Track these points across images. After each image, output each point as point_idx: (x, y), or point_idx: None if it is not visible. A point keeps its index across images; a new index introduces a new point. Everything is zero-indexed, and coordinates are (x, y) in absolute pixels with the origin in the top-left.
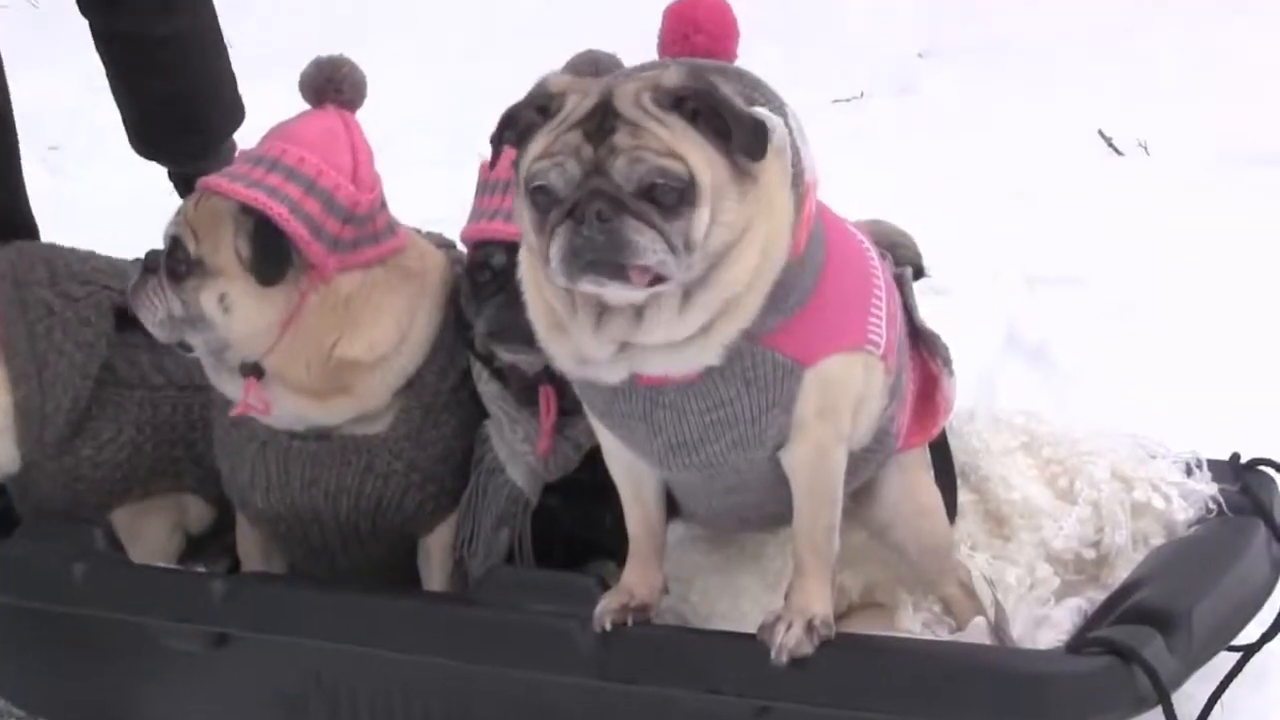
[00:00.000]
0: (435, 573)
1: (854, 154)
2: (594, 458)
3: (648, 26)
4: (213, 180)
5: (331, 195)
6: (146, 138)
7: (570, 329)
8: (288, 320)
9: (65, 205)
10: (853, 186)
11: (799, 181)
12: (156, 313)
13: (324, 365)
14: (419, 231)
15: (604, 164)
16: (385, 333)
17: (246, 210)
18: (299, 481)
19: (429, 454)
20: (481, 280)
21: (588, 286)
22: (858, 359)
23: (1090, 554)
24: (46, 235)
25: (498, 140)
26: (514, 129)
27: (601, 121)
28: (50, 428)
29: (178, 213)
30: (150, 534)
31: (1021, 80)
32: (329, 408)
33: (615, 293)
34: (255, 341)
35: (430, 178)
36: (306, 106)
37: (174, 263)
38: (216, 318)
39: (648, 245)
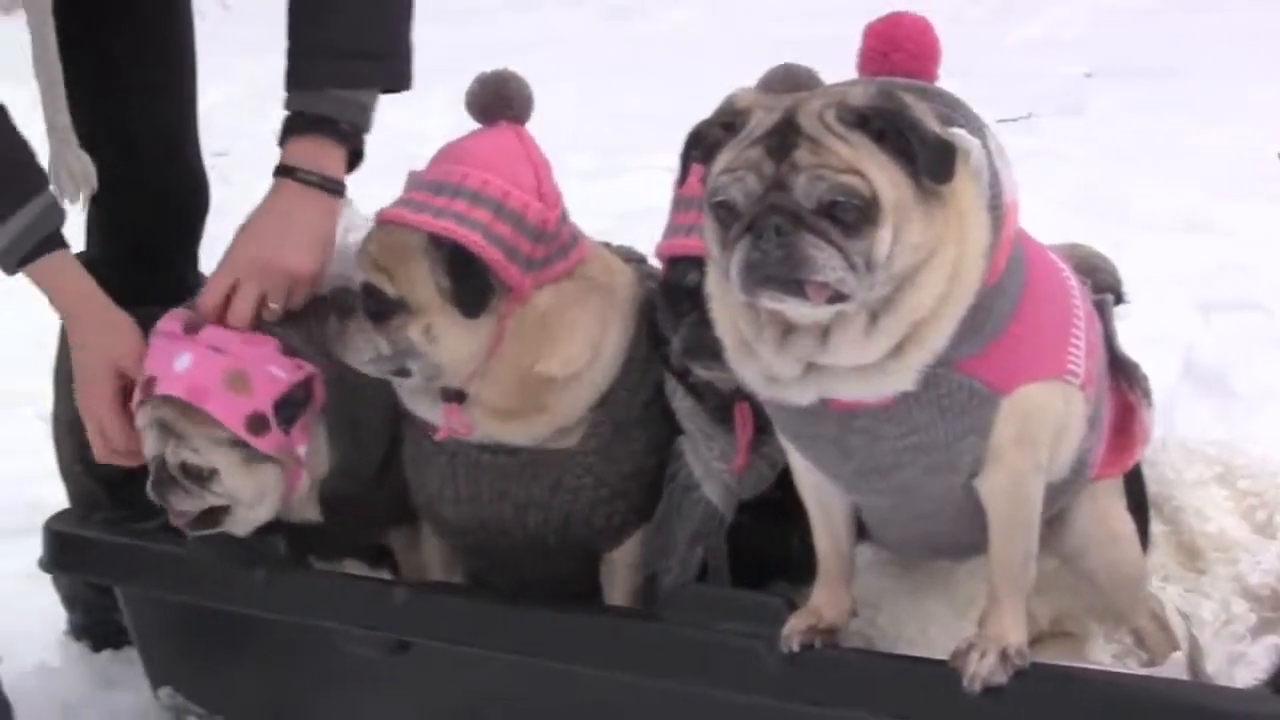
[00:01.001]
0: (619, 588)
1: (1020, 174)
2: (784, 477)
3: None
4: (394, 212)
5: (521, 215)
6: None
7: (756, 347)
8: (492, 345)
9: (229, 212)
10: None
11: (998, 204)
12: (364, 354)
13: (521, 385)
14: (608, 245)
15: (785, 180)
16: (579, 347)
17: (437, 241)
18: (487, 494)
19: (619, 469)
20: (677, 297)
21: (766, 302)
22: (1056, 388)
23: None
24: (213, 241)
25: (685, 158)
26: (700, 146)
27: (784, 138)
28: (364, 469)
29: (360, 255)
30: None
31: (1192, 101)
32: (524, 428)
33: (794, 309)
34: (462, 368)
35: (586, 191)
36: (457, 124)
37: (372, 305)
38: (426, 349)
39: (825, 262)
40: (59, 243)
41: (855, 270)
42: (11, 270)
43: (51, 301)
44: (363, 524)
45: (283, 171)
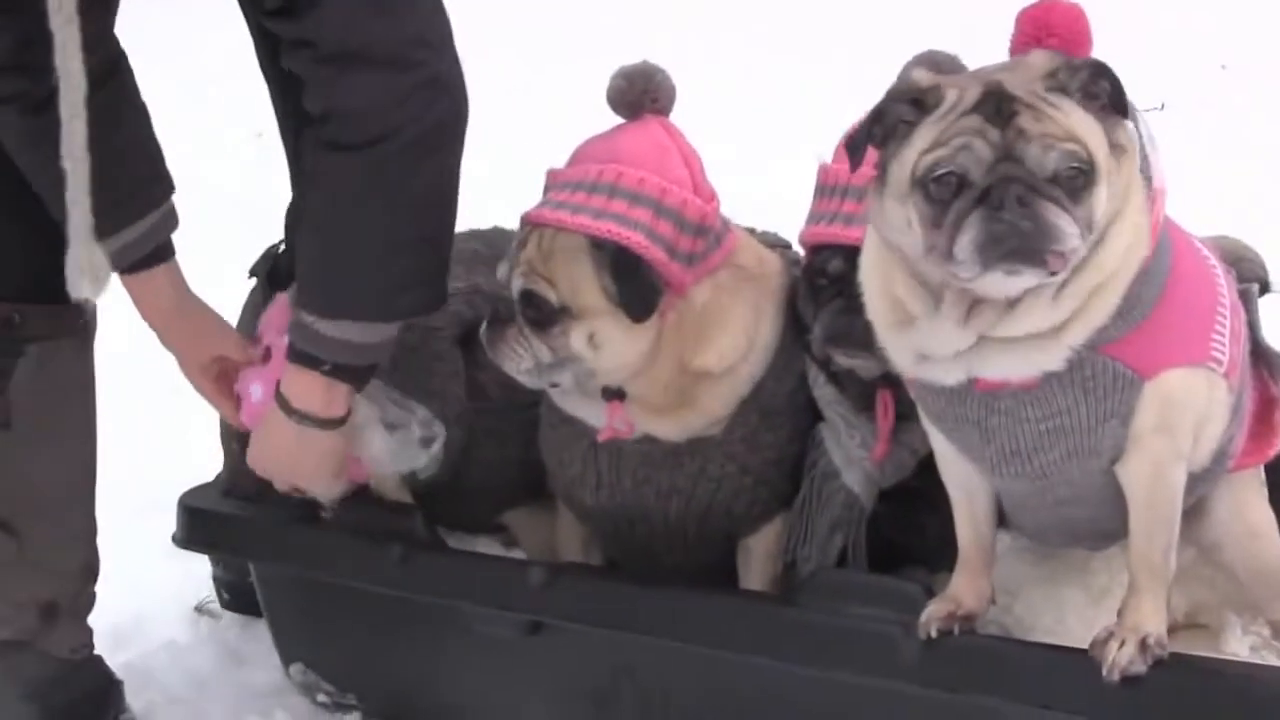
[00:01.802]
0: (755, 574)
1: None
2: (924, 465)
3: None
4: (550, 215)
5: (680, 212)
6: None
7: (927, 325)
8: (655, 344)
9: (270, 190)
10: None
11: (1148, 187)
12: (523, 362)
13: (678, 380)
14: (753, 231)
15: (1014, 148)
16: (734, 340)
17: (599, 244)
18: (630, 480)
19: (763, 457)
20: (819, 285)
21: (1001, 276)
22: (1200, 375)
23: None
24: (254, 219)
25: (865, 138)
26: (883, 124)
27: (998, 106)
28: (448, 456)
29: (515, 261)
30: (544, 531)
31: None
32: (677, 423)
33: (1029, 281)
34: (624, 370)
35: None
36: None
37: (533, 313)
38: (587, 355)
39: (1066, 229)
40: (163, 256)
41: (1082, 236)
42: (119, 270)
43: (140, 312)
44: (475, 502)
45: (279, 400)
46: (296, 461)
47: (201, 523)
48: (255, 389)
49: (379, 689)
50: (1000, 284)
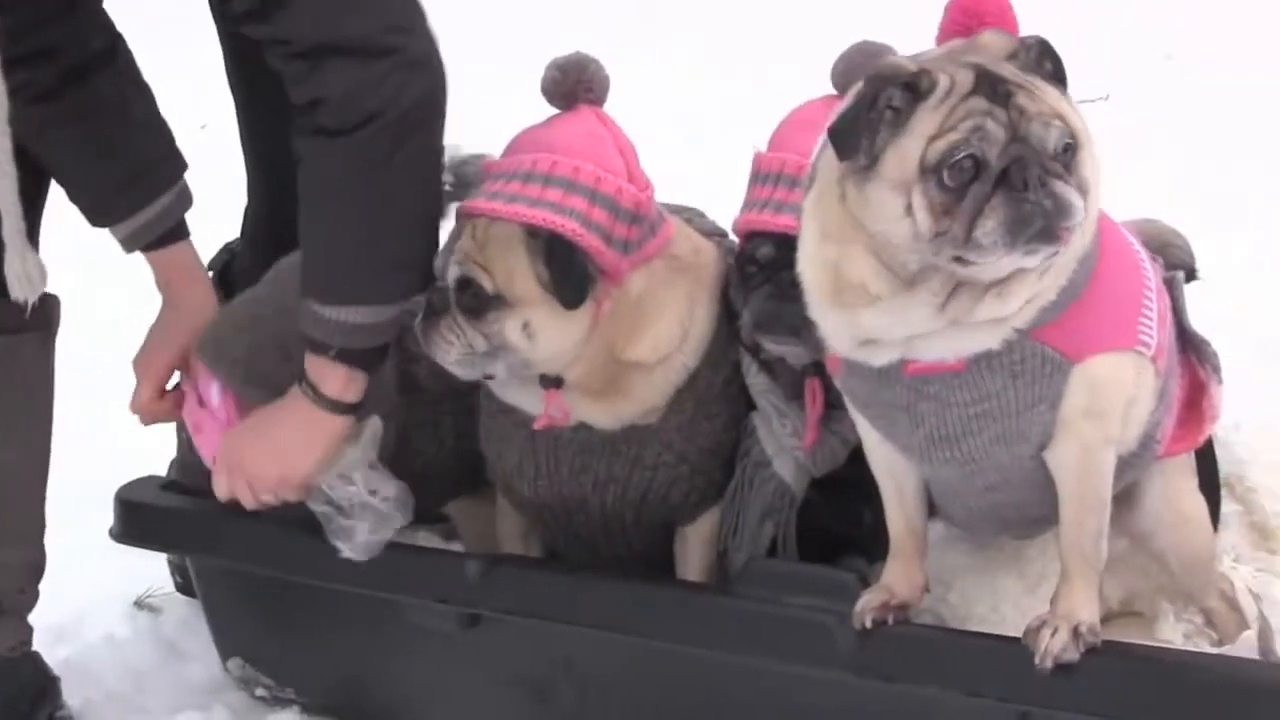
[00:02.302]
0: (692, 564)
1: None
2: (857, 454)
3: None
4: (485, 205)
5: (615, 200)
6: None
7: (895, 308)
8: (589, 332)
9: (214, 183)
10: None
11: None
12: (454, 351)
13: (613, 370)
14: (689, 221)
15: (1019, 128)
16: (669, 331)
17: (534, 232)
18: (567, 470)
19: (698, 446)
20: (749, 272)
21: (1017, 259)
22: (1128, 359)
23: None
24: (197, 211)
25: (859, 125)
26: (877, 109)
27: (994, 88)
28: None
29: (451, 250)
30: (486, 523)
31: (1271, 82)
32: (611, 411)
33: (1040, 259)
34: (559, 358)
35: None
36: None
37: (468, 300)
38: (521, 344)
39: (1077, 204)
40: (179, 235)
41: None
42: (131, 250)
43: (156, 276)
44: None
45: (298, 375)
46: (295, 452)
47: (138, 517)
48: (215, 390)
49: (318, 683)
50: (1018, 264)
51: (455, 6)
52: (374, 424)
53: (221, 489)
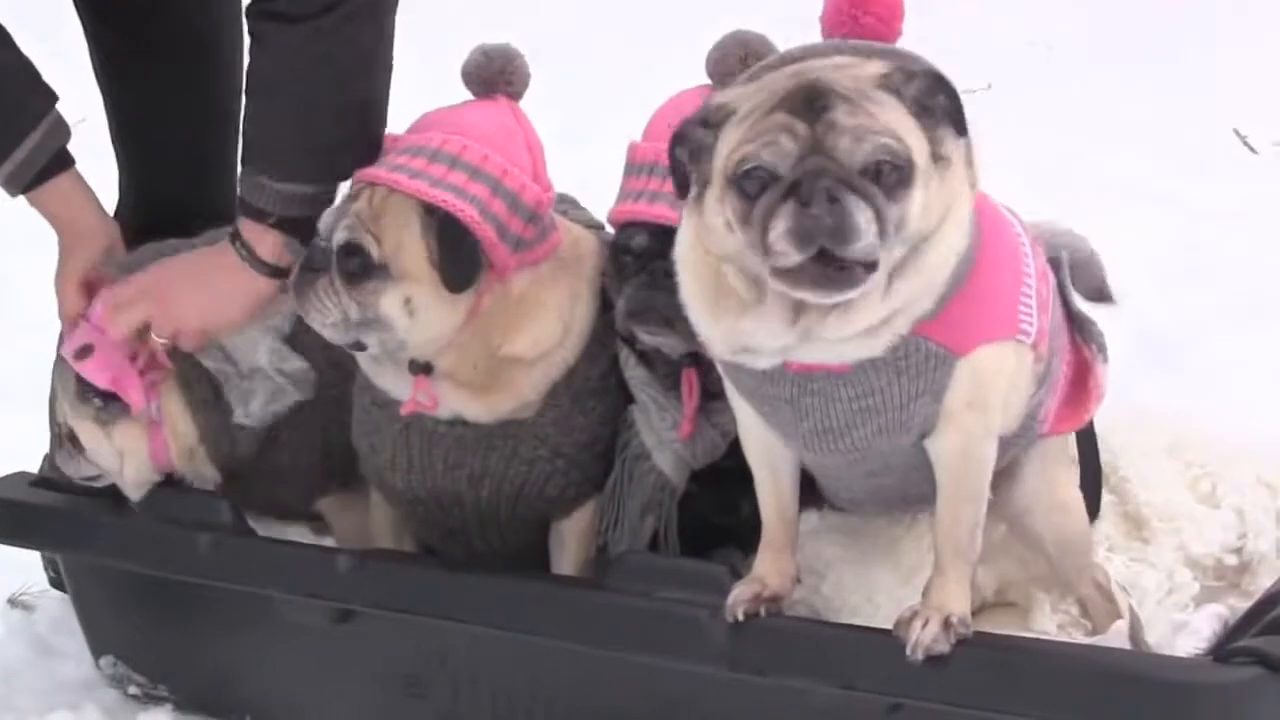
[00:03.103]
0: (568, 558)
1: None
2: (737, 445)
3: None
4: (386, 175)
5: (517, 196)
6: None
7: (754, 318)
8: (466, 321)
9: (92, 175)
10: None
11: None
12: (329, 315)
13: (489, 364)
14: (565, 212)
15: (824, 142)
16: (549, 328)
17: (431, 210)
18: (442, 464)
19: (574, 440)
20: (624, 261)
21: (809, 294)
22: (1009, 348)
23: (1232, 560)
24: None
25: (672, 163)
26: (685, 145)
27: (811, 100)
28: (243, 443)
29: (344, 212)
30: (357, 518)
31: (1153, 74)
32: (488, 404)
33: (836, 299)
34: (433, 343)
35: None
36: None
37: (352, 265)
38: (399, 321)
39: (865, 227)
40: (63, 165)
41: (885, 236)
42: (15, 194)
43: (47, 215)
44: (284, 488)
45: (231, 235)
46: (224, 306)
47: (8, 514)
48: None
49: (191, 680)
50: (812, 300)
51: None
52: (289, 300)
53: (130, 319)
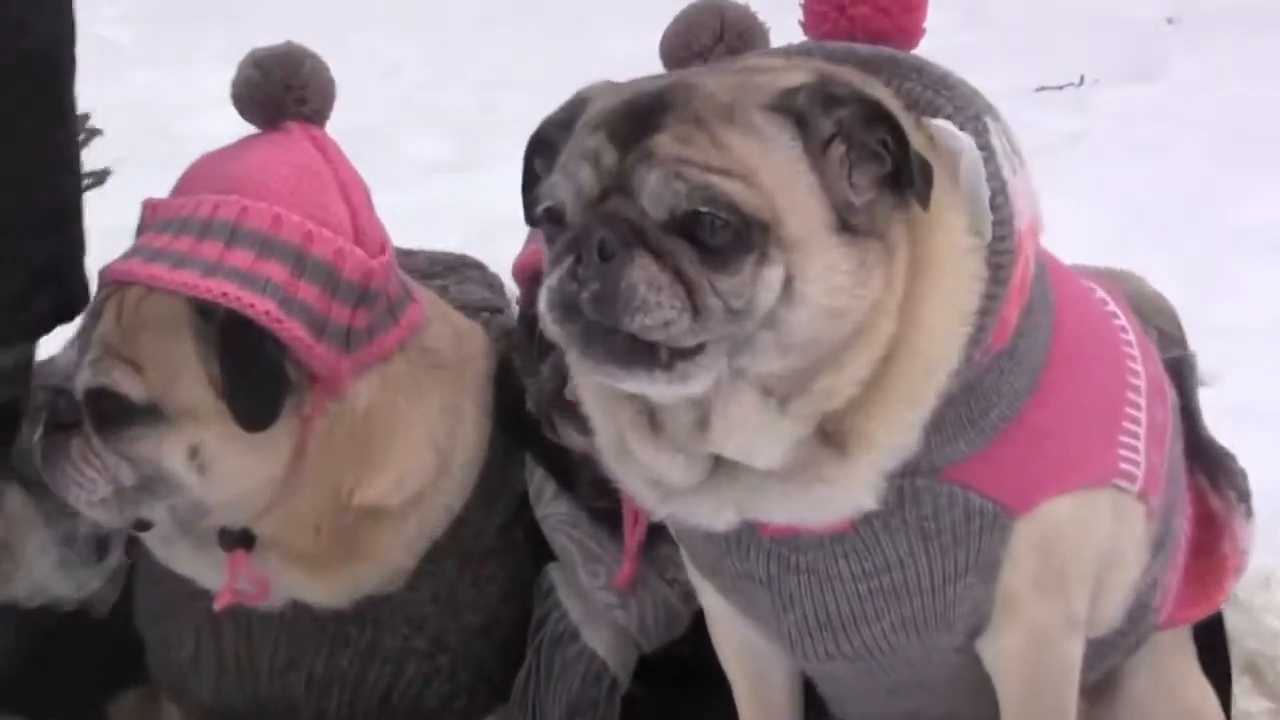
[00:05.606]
0: None
1: (1063, 172)
2: (703, 622)
3: None
4: (141, 268)
5: (334, 269)
6: None
7: (648, 439)
8: (291, 464)
9: None
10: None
11: (1004, 234)
12: (95, 488)
13: (337, 522)
14: (446, 291)
15: (629, 177)
16: (417, 457)
17: (208, 313)
18: (268, 665)
19: (464, 624)
20: (535, 329)
21: (594, 372)
22: (1101, 501)
23: None
24: None
25: (527, 166)
26: (541, 153)
27: (647, 117)
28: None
29: (87, 341)
30: None
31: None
32: (340, 580)
33: (631, 385)
34: (246, 501)
35: (437, 186)
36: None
37: (107, 408)
38: (187, 478)
39: (648, 297)
40: None
41: (703, 314)
42: None
43: None
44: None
45: None
46: None
47: None
48: None
49: None
50: (602, 379)
51: None
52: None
53: None
